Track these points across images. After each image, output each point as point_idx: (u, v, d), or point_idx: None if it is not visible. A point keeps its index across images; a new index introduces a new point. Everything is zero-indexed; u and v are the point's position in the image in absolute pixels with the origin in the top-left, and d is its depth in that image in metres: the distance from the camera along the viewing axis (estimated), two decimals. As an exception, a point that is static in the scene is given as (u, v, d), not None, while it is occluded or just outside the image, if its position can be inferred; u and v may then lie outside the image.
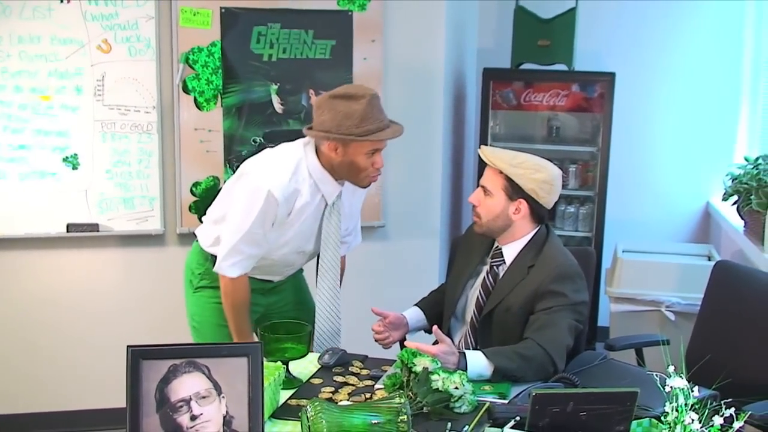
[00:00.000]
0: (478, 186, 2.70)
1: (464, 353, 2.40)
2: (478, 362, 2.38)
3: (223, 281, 2.69)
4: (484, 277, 2.71)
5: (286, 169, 2.61)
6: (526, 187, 2.59)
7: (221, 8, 3.76)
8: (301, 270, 3.06)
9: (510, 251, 2.68)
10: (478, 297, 2.70)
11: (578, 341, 2.92)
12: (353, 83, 3.91)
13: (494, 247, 2.73)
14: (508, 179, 2.60)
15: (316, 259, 2.90)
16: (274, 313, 2.90)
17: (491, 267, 2.71)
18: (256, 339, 2.72)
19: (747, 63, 4.81)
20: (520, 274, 2.61)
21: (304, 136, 2.72)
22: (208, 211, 2.89)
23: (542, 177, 2.61)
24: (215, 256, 2.74)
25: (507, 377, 2.37)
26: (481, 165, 2.72)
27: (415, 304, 2.98)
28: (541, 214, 2.67)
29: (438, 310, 2.89)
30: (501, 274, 2.67)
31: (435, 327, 2.52)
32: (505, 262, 2.68)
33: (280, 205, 2.57)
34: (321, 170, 2.65)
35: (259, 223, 2.58)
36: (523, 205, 2.62)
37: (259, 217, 2.57)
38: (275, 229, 2.64)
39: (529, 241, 2.66)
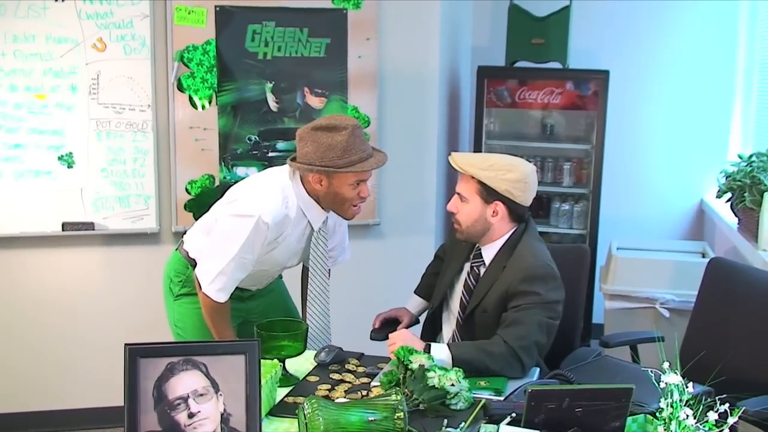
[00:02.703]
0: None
1: (430, 344, 2.47)
2: (441, 352, 2.43)
3: (207, 303, 2.67)
4: (466, 278, 2.74)
5: (276, 194, 2.62)
6: (500, 188, 2.59)
7: (216, 6, 3.76)
8: (280, 276, 3.06)
9: (489, 252, 2.69)
10: (461, 297, 2.74)
11: (572, 338, 2.95)
12: (350, 77, 3.92)
13: (475, 247, 2.75)
14: (481, 183, 2.60)
15: (301, 277, 2.91)
16: (255, 317, 2.89)
17: (472, 268, 2.73)
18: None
19: (740, 60, 4.83)
20: (495, 275, 2.63)
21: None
22: (196, 225, 2.89)
23: (515, 176, 2.60)
24: (195, 264, 2.75)
25: (471, 371, 2.35)
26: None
27: (415, 292, 3.09)
28: (519, 213, 2.67)
29: (433, 291, 2.96)
30: (481, 275, 2.69)
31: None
32: (485, 263, 2.70)
33: (270, 230, 2.57)
34: (307, 198, 2.66)
35: (248, 248, 2.58)
36: (500, 206, 2.62)
37: (248, 243, 2.56)
38: (262, 250, 2.65)
39: (506, 241, 2.67)
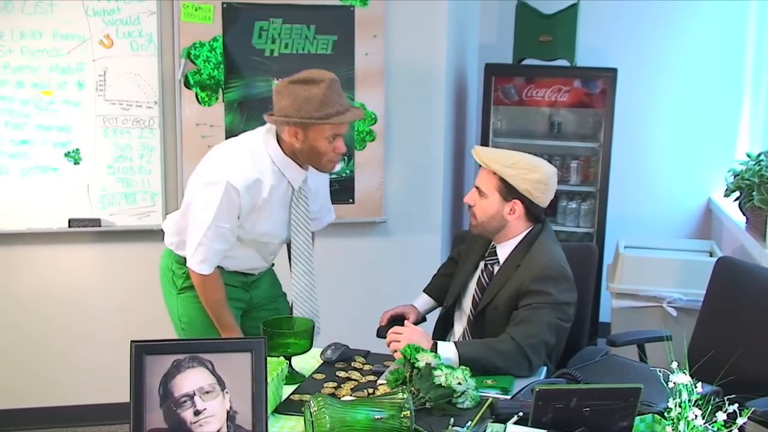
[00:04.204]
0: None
1: (437, 342, 2.45)
2: (447, 350, 2.42)
3: (195, 277, 2.69)
4: (479, 276, 2.73)
5: (244, 158, 2.62)
6: (521, 187, 2.59)
7: (223, 3, 3.76)
8: (272, 264, 3.07)
9: (503, 250, 2.69)
10: (474, 294, 2.73)
11: (579, 337, 2.94)
12: (357, 75, 3.92)
13: (490, 245, 2.75)
14: (502, 180, 2.60)
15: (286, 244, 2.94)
16: (256, 306, 2.93)
17: (486, 265, 2.73)
18: (238, 328, 2.75)
19: (749, 59, 4.81)
20: (509, 273, 2.62)
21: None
22: (172, 214, 2.91)
23: (536, 177, 2.59)
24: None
25: (478, 369, 2.34)
26: (481, 161, 2.72)
27: (424, 291, 3.08)
28: (536, 214, 2.66)
29: (443, 292, 2.96)
30: (495, 273, 2.69)
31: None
32: (499, 261, 2.69)
33: (241, 195, 2.56)
34: (284, 157, 2.66)
35: (222, 216, 2.58)
36: (518, 205, 2.62)
37: (221, 210, 2.57)
38: (247, 220, 2.65)
39: (521, 240, 2.67)
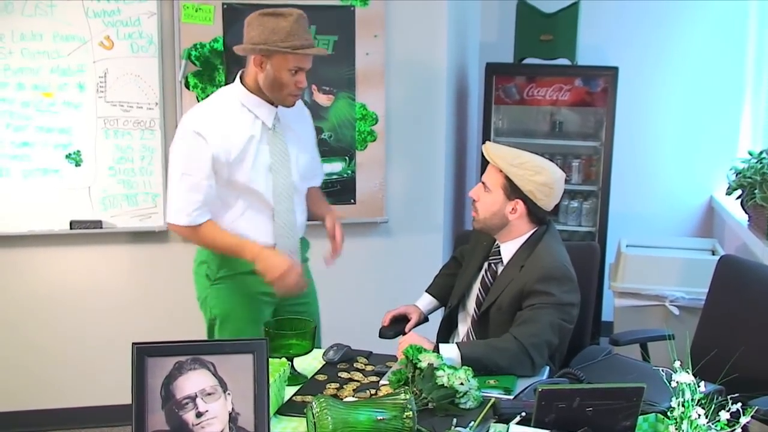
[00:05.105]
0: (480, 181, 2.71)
1: (438, 345, 2.45)
2: (450, 351, 2.41)
3: (184, 232, 2.78)
4: (483, 276, 2.73)
5: (206, 105, 2.78)
6: (525, 188, 2.59)
7: (223, 4, 3.76)
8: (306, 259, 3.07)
9: (507, 250, 2.69)
10: (477, 294, 2.73)
11: (581, 336, 2.93)
12: (358, 75, 3.92)
13: (494, 244, 2.74)
14: (508, 178, 2.60)
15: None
16: (286, 300, 2.91)
17: (490, 265, 2.72)
18: (247, 241, 2.75)
19: (750, 57, 4.80)
20: (513, 274, 2.62)
21: None
22: None
23: (542, 179, 2.59)
24: None
25: (480, 368, 2.34)
26: (485, 160, 2.73)
27: (426, 291, 3.07)
28: (539, 216, 2.66)
29: (445, 292, 2.96)
30: (499, 273, 2.68)
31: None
32: (502, 261, 2.68)
33: (208, 139, 2.66)
34: (250, 95, 2.76)
35: (191, 165, 2.68)
36: (520, 205, 2.62)
37: (189, 159, 2.68)
38: (234, 170, 2.71)
39: (526, 241, 2.66)
